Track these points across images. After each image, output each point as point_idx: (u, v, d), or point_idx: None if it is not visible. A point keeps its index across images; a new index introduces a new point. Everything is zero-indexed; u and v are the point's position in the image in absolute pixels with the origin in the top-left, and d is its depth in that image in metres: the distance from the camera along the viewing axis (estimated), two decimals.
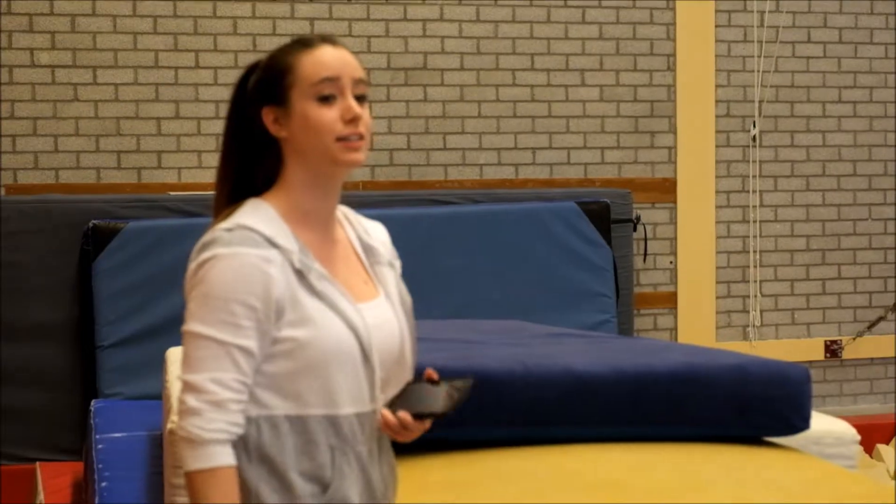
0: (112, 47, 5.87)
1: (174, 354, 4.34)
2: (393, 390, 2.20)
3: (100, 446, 4.12)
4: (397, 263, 2.34)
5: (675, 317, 6.50)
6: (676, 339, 6.44)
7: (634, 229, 6.17)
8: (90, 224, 5.36)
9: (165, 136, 5.94)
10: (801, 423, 3.30)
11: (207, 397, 2.07)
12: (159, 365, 4.34)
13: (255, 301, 2.08)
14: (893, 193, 6.83)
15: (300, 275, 2.13)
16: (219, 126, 5.95)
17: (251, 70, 2.25)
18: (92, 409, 4.79)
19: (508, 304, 5.70)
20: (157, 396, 4.22)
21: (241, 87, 2.24)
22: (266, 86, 2.18)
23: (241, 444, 2.11)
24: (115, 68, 5.88)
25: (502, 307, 5.62)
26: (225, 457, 2.08)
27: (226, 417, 2.07)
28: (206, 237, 2.13)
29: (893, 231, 6.83)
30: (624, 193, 6.15)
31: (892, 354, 6.79)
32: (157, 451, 3.86)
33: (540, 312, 5.57)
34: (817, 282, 6.74)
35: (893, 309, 6.76)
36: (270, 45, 6.00)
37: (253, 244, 2.10)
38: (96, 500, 3.81)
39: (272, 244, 2.12)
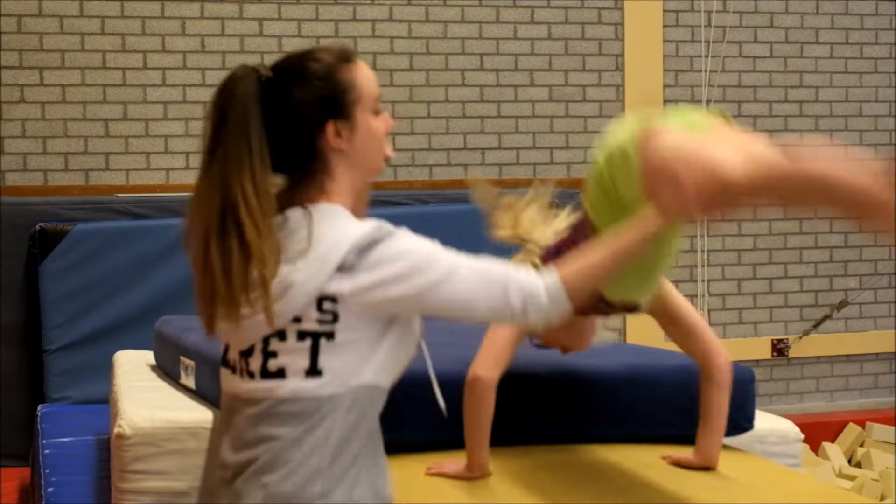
0: (59, 48, 5.83)
1: (122, 358, 4.32)
2: None
3: (46, 451, 4.09)
4: None
5: (624, 317, 6.53)
6: (625, 339, 6.47)
7: None
8: (37, 227, 5.33)
9: (113, 138, 5.91)
10: (745, 423, 3.33)
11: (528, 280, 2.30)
12: (107, 369, 4.32)
13: None
14: None
15: None
16: (167, 127, 5.94)
17: (276, 84, 2.20)
18: (39, 413, 4.75)
19: None
20: (105, 401, 4.20)
21: (274, 103, 2.19)
22: (330, 101, 2.23)
23: (345, 405, 2.12)
24: (62, 69, 5.84)
25: None
26: None
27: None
28: (371, 233, 2.26)
29: (838, 230, 6.90)
30: (573, 193, 6.16)
31: (838, 353, 6.85)
32: (105, 455, 3.83)
33: None
34: (764, 281, 6.80)
35: (838, 308, 6.82)
36: (219, 45, 5.99)
37: None
38: None
39: None
